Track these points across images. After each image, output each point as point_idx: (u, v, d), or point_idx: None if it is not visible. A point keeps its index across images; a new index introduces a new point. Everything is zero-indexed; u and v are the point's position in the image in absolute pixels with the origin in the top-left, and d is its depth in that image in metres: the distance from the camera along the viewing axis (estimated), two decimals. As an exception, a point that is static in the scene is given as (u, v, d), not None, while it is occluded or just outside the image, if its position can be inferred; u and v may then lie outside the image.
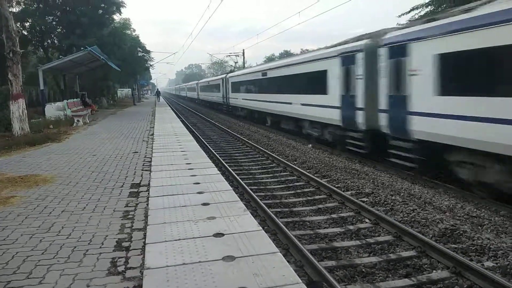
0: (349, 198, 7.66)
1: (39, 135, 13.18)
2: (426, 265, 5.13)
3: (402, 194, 8.19)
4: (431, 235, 5.98)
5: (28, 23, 27.35)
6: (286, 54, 69.07)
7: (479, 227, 6.30)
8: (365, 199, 7.89)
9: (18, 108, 13.22)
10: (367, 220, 6.79)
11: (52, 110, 19.99)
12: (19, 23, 20.13)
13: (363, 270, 5.04)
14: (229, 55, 50.04)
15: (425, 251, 5.39)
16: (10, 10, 13.55)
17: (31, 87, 24.03)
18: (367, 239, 5.99)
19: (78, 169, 7.85)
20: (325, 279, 4.51)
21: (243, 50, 48.22)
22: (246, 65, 47.99)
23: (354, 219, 6.91)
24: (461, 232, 5.99)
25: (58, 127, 15.86)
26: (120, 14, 32.10)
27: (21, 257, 3.71)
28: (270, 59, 69.09)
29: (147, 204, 5.20)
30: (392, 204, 7.50)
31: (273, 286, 2.94)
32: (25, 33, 26.81)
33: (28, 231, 4.41)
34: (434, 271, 4.96)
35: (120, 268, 3.44)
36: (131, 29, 42.07)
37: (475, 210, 7.12)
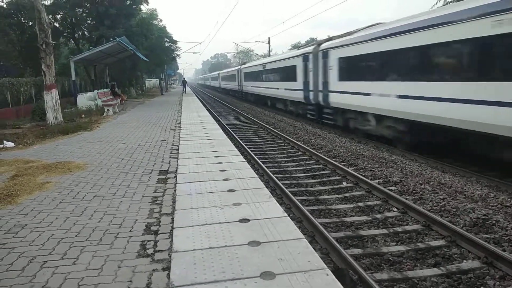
0: (376, 187, 7.55)
1: (72, 124, 13.63)
2: (456, 255, 5.00)
3: (431, 183, 7.99)
4: (461, 225, 5.82)
5: (59, 15, 28.11)
6: (312, 40, 68.37)
7: (513, 217, 6.08)
8: (392, 188, 7.75)
9: (51, 98, 13.68)
10: (394, 209, 6.68)
11: (84, 100, 20.59)
12: (51, 15, 20.73)
13: (390, 258, 4.97)
14: (256, 42, 55.82)
15: (455, 240, 5.26)
16: (42, 2, 13.93)
17: (64, 78, 24.82)
18: (394, 228, 5.89)
19: (109, 156, 8.09)
20: (351, 267, 4.49)
21: (269, 38, 47.86)
22: (271, 53, 47.69)
23: (381, 208, 6.81)
24: (494, 222, 5.80)
25: (89, 117, 16.36)
26: (147, 4, 32.56)
27: (56, 239, 3.89)
28: (295, 46, 68.68)
29: (175, 190, 5.32)
30: (421, 193, 7.33)
31: (298, 271, 2.96)
32: (57, 25, 27.56)
33: (62, 214, 4.60)
34: (464, 261, 4.84)
35: (149, 251, 3.55)
36: (158, 19, 42.56)
37: (509, 199, 6.86)
